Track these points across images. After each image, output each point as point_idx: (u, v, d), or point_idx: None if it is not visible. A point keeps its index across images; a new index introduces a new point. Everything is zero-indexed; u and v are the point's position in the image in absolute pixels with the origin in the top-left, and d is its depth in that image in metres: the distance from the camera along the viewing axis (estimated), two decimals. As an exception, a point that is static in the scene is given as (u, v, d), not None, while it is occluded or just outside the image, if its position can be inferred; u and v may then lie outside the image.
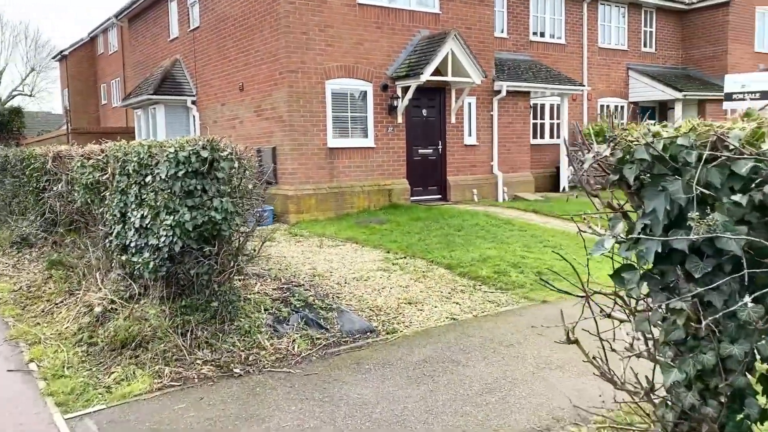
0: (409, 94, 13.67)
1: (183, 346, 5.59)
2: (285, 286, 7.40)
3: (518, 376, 5.06)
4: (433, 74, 13.55)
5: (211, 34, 15.95)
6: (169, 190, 5.60)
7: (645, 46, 21.56)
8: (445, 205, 14.17)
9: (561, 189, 17.63)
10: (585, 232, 2.89)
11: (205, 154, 5.48)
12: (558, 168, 18.24)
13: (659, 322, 2.13)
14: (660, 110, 22.05)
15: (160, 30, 19.57)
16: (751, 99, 13.94)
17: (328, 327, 6.29)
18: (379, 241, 10.17)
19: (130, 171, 6.32)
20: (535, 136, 18.35)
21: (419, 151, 14.62)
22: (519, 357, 5.43)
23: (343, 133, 13.50)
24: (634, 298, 2.37)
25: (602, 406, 4.56)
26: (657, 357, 2.17)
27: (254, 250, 6.35)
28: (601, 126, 18.71)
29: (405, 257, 9.16)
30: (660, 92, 20.16)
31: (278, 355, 5.63)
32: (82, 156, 8.01)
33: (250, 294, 6.79)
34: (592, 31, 19.89)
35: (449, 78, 13.89)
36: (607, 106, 20.65)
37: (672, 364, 1.91)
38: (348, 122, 13.55)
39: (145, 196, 6.06)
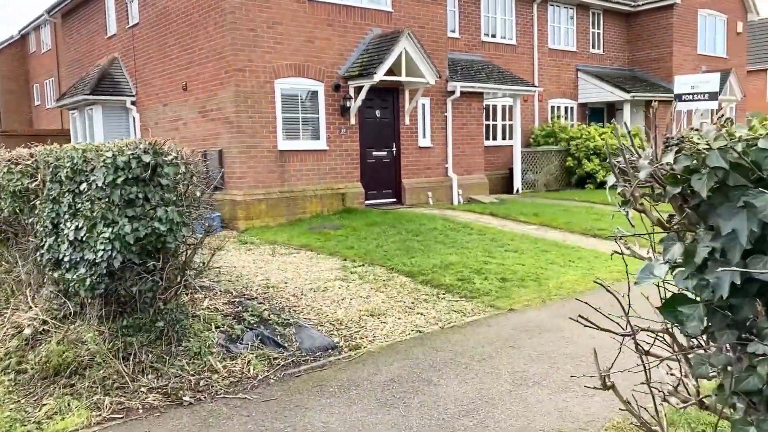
0: (362, 95, 13.27)
1: (125, 372, 5.02)
2: (237, 300, 6.88)
3: (495, 394, 4.71)
4: (386, 74, 13.18)
5: (152, 30, 15.16)
6: (107, 199, 5.02)
7: (593, 47, 21.78)
8: (400, 208, 13.82)
9: (515, 191, 17.55)
10: (622, 253, 2.47)
11: (147, 158, 4.93)
12: (511, 170, 18.16)
13: (721, 367, 1.77)
14: (608, 111, 22.32)
15: (97, 27, 18.56)
16: (700, 100, 14.11)
17: (286, 345, 5.81)
18: (335, 248, 9.72)
19: (63, 178, 5.69)
20: (487, 138, 18.22)
21: (373, 153, 14.23)
22: (493, 373, 5.08)
23: (294, 135, 12.98)
24: (689, 335, 1.97)
25: (587, 428, 4.27)
26: (723, 410, 1.80)
27: (203, 263, 5.82)
28: (553, 127, 18.77)
29: (363, 265, 8.74)
30: (609, 93, 20.37)
31: (232, 379, 5.12)
32: (9, 161, 7.28)
33: (198, 310, 6.24)
34: (542, 32, 19.93)
35: (403, 78, 13.55)
36: (558, 108, 20.74)
37: (748, 420, 1.56)
38: (299, 123, 13.04)
39: (80, 205, 5.45)
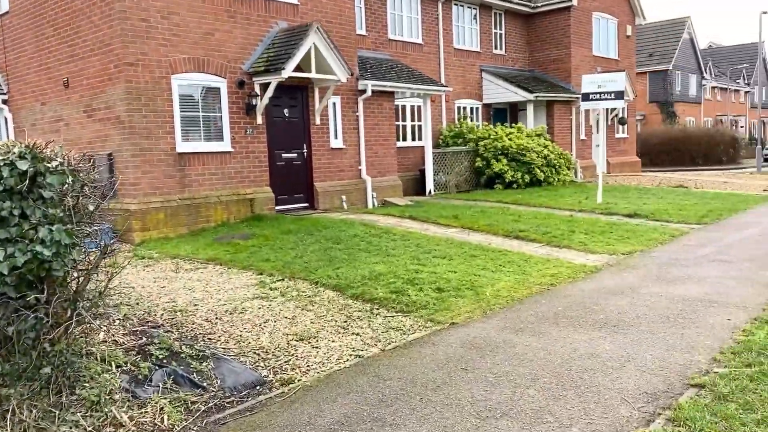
0: (269, 92, 12.33)
1: (-1, 437, 3.95)
2: (139, 329, 5.86)
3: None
4: (295, 70, 12.34)
5: (26, 20, 13.42)
6: (-32, 218, 3.93)
7: (496, 48, 21.90)
8: (314, 214, 13.01)
9: (427, 192, 17.18)
10: None
11: (23, 165, 3.89)
12: (422, 171, 17.79)
13: None
14: (511, 112, 22.54)
15: (-42, 15, 16.35)
16: (607, 99, 14.29)
17: (205, 384, 4.90)
18: (249, 261, 8.79)
19: None
20: (397, 139, 17.74)
21: (283, 155, 13.31)
22: (453, 404, 4.45)
23: (195, 135, 11.84)
24: None
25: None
26: None
27: (99, 292, 4.78)
28: (461, 128, 18.60)
29: (283, 279, 7.89)
30: (512, 94, 20.52)
31: (142, 434, 4.18)
32: None
33: (93, 346, 5.19)
34: (447, 31, 19.74)
35: (313, 75, 12.75)
36: (464, 108, 20.64)
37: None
38: (200, 123, 11.91)
39: (-69, 225, 4.28)
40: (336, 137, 14.30)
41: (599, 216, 12.82)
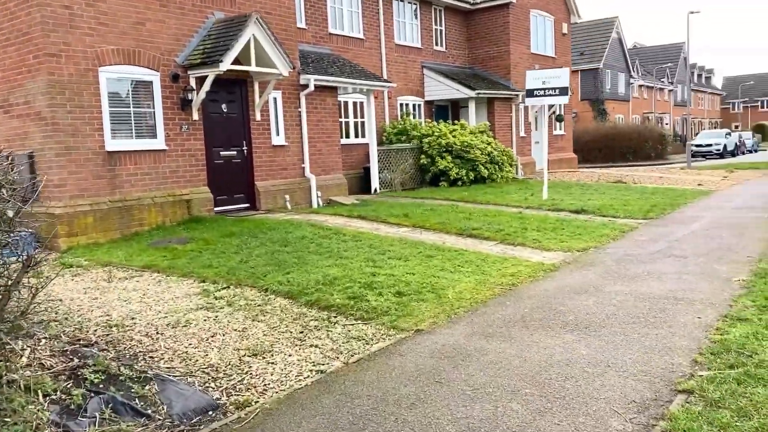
0: (206, 86, 11.62)
1: None
2: (70, 349, 5.19)
3: (445, 457, 3.67)
4: (233, 63, 11.68)
5: (-70, 6, 12.17)
6: None
7: (437, 44, 21.71)
8: (256, 215, 12.37)
9: (372, 191, 16.76)
10: None
11: None
12: (366, 169, 17.37)
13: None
14: (452, 109, 22.41)
15: None
16: (551, 95, 14.26)
17: (150, 411, 4.32)
18: (189, 267, 8.14)
19: None
20: (340, 136, 17.24)
21: (221, 153, 12.61)
22: (433, 424, 4.03)
23: (126, 132, 11.02)
24: None
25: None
26: None
27: (22, 311, 4.12)
28: (404, 125, 18.29)
29: (229, 287, 7.30)
30: (454, 91, 20.37)
31: (76, 478, 3.58)
32: None
33: (16, 372, 4.51)
34: (388, 26, 19.38)
35: (253, 68, 12.11)
36: (406, 105, 20.34)
37: None
38: (131, 119, 11.09)
39: None
40: (278, 134, 13.69)
41: (547, 213, 12.74)
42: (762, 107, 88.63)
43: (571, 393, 4.36)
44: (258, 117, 13.13)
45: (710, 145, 43.26)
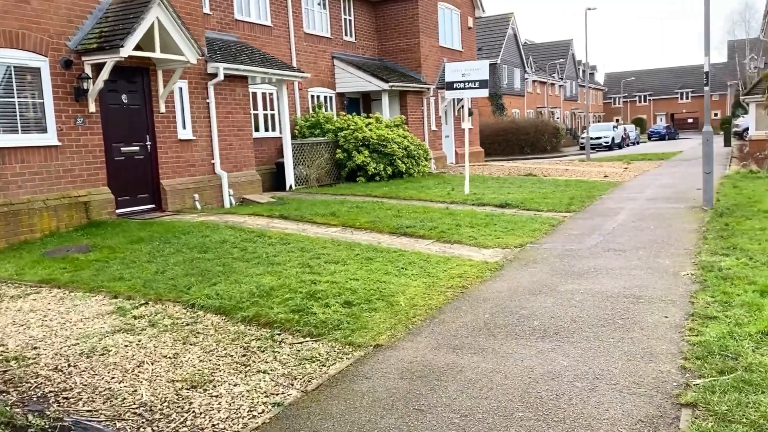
0: (104, 74, 10.37)
1: None
2: (-44, 396, 4.15)
3: None
4: (134, 49, 10.49)
5: None
6: None
7: (346, 35, 21.06)
8: (164, 217, 11.23)
9: (287, 187, 15.90)
10: None
11: None
12: (278, 164, 16.47)
13: None
14: (364, 101, 21.86)
15: None
16: (472, 88, 14.02)
17: (73, 476, 3.44)
18: (96, 281, 7.07)
19: None
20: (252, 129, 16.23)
21: (122, 149, 11.35)
22: (427, 465, 3.44)
23: (11, 126, 9.60)
24: None
25: None
26: None
27: None
28: (318, 118, 17.55)
29: (148, 303, 6.35)
30: (366, 83, 19.81)
31: None
32: None
33: None
34: (297, 14, 18.49)
35: (158, 54, 10.96)
36: (318, 97, 19.55)
37: None
38: (16, 111, 9.68)
39: None
40: (184, 127, 12.56)
41: (473, 207, 12.48)
42: (640, 102, 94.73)
43: (569, 414, 3.91)
44: (163, 109, 11.94)
45: (599, 137, 45.47)
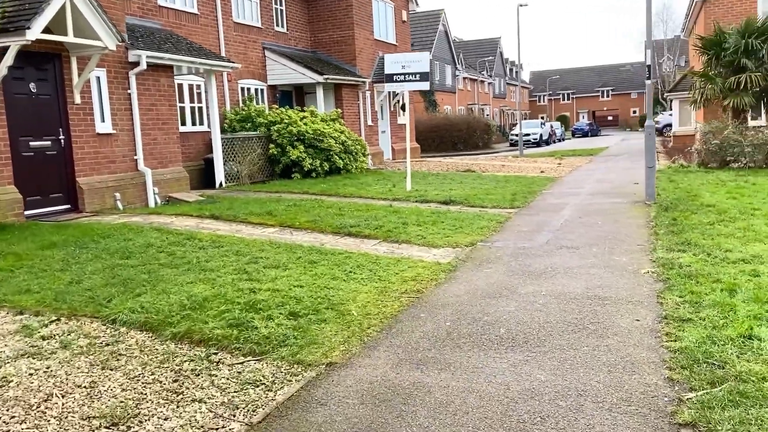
0: (8, 60, 9.25)
1: None
2: None
3: None
4: (43, 32, 9.41)
5: None
6: None
7: (278, 25, 20.19)
8: (81, 219, 10.19)
9: (218, 185, 14.97)
10: None
11: None
12: (207, 160, 15.51)
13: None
14: (296, 94, 21.05)
15: None
16: (412, 81, 13.54)
17: None
18: (-2, 294, 6.12)
19: None
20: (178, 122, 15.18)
21: (31, 143, 10.22)
22: None
23: None
24: None
25: None
26: None
27: None
28: (249, 111, 16.69)
29: (60, 319, 5.49)
30: (300, 75, 19.03)
31: None
32: None
33: None
34: (225, 2, 17.51)
35: (71, 39, 9.91)
36: (248, 89, 18.62)
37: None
38: None
39: None
40: (103, 120, 11.48)
41: (417, 204, 12.00)
42: (563, 99, 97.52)
43: None
44: (78, 100, 10.84)
45: (528, 134, 46.20)
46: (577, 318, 5.40)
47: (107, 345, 4.93)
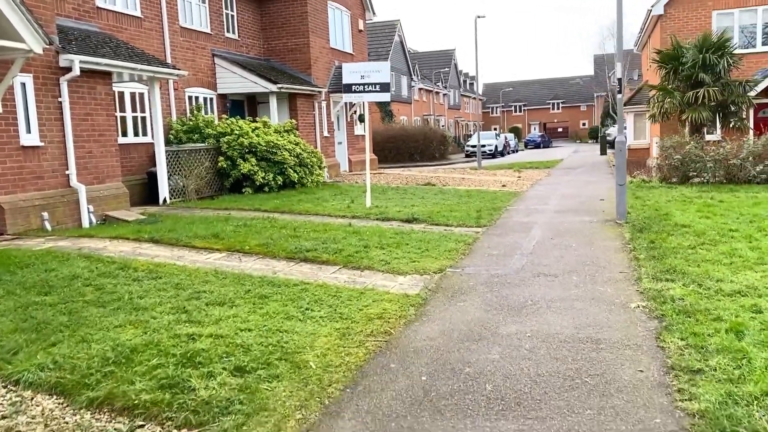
0: None
1: None
2: None
3: None
4: (-44, 32, 8.27)
5: None
6: None
7: (228, 31, 19.18)
8: (1, 243, 9.00)
9: (162, 201, 13.85)
10: None
11: None
12: (150, 174, 14.38)
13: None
14: (249, 104, 20.05)
15: None
16: (372, 91, 12.77)
17: None
18: None
19: None
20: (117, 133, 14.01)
21: (-59, 157, 8.99)
22: None
23: None
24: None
25: None
26: None
27: None
28: (196, 121, 15.64)
29: (-51, 380, 4.45)
30: (252, 84, 18.05)
31: None
32: None
33: None
34: (172, 6, 16.43)
35: (-12, 40, 8.75)
36: (196, 98, 17.53)
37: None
38: None
39: None
40: (29, 131, 10.32)
41: (378, 223, 11.20)
42: (516, 111, 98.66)
43: None
44: (-1, 108, 9.69)
45: (484, 145, 46.10)
46: (573, 369, 4.68)
47: (3, 418, 3.95)
